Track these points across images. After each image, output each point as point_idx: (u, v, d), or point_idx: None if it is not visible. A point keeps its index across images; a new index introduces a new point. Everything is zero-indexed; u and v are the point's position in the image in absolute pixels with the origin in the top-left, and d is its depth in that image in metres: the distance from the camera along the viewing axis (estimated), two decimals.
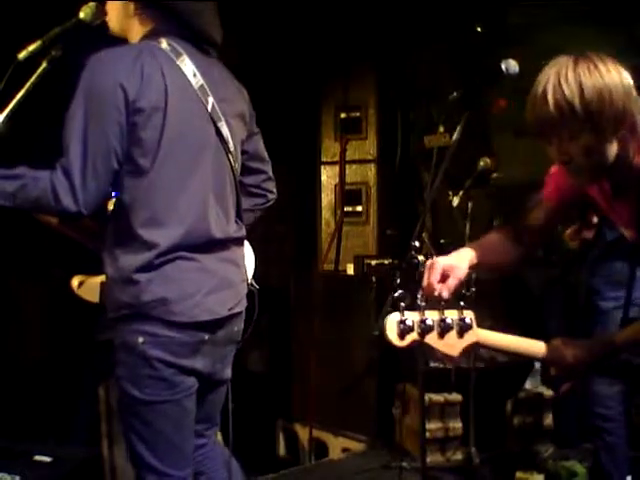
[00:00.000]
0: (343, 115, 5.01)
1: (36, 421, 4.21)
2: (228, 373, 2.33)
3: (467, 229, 4.01)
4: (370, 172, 4.96)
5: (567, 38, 4.39)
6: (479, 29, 4.66)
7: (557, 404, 4.27)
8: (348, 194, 4.99)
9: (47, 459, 3.43)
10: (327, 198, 5.10)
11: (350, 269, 4.79)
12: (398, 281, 3.14)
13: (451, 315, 1.88)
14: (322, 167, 5.10)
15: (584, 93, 1.65)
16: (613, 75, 1.67)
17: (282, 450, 4.98)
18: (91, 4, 2.24)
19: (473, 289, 4.00)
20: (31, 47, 2.23)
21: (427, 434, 3.77)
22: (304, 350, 4.73)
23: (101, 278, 2.22)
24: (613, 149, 1.75)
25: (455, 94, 3.00)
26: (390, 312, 1.86)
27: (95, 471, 3.54)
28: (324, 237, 5.08)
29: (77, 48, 2.21)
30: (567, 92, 1.67)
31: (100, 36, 2.25)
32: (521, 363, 4.36)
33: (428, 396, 4.06)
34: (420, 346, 1.89)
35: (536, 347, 1.96)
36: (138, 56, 2.02)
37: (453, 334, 1.88)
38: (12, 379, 4.36)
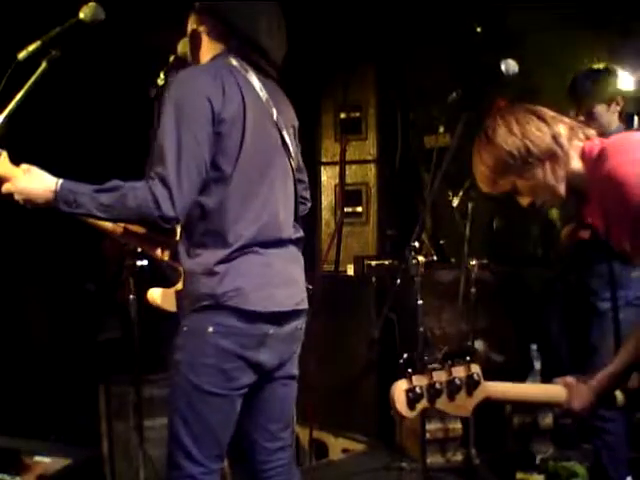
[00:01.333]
0: (343, 115, 5.01)
1: (36, 421, 4.21)
2: (296, 371, 2.44)
3: (467, 229, 4.01)
4: (370, 172, 4.96)
5: (565, 39, 4.40)
6: (479, 30, 4.66)
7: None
8: (348, 194, 4.98)
9: (47, 459, 3.43)
10: (327, 199, 5.10)
11: (350, 269, 4.79)
12: (398, 281, 3.15)
13: (458, 374, 1.83)
14: (322, 167, 5.10)
15: (485, 162, 2.03)
16: (499, 135, 1.97)
17: None
18: (91, 4, 2.25)
19: (473, 289, 4.00)
20: (31, 47, 2.24)
21: (427, 435, 3.77)
22: (304, 350, 4.72)
23: (175, 288, 2.34)
24: (545, 177, 1.96)
25: (455, 94, 3.00)
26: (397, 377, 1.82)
27: (95, 471, 3.55)
28: (324, 237, 5.08)
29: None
30: (478, 167, 2.07)
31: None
32: (520, 363, 4.36)
33: None
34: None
35: (551, 391, 1.97)
36: (217, 73, 2.19)
37: (462, 394, 1.83)
38: (12, 379, 4.36)
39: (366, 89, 4.97)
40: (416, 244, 3.06)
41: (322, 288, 4.67)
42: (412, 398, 1.77)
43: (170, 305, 2.36)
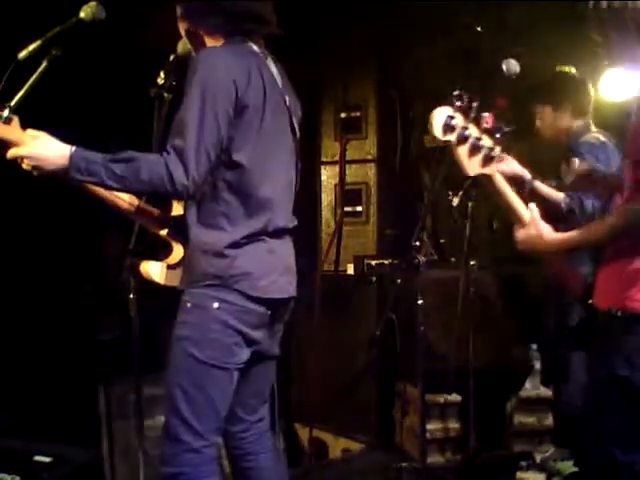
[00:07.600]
0: (343, 115, 5.00)
1: (36, 421, 4.21)
2: (278, 351, 2.53)
3: (467, 229, 4.01)
4: (370, 172, 4.95)
5: (566, 38, 4.39)
6: (479, 29, 4.66)
7: (557, 404, 4.27)
8: (348, 194, 4.98)
9: (47, 459, 3.43)
10: (327, 198, 5.09)
11: (350, 269, 4.78)
12: (398, 281, 3.15)
13: (486, 142, 2.00)
14: (322, 167, 5.10)
15: None
16: None
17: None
18: (91, 3, 2.26)
19: (473, 289, 4.00)
20: (31, 46, 2.24)
21: (427, 435, 3.76)
22: (304, 350, 4.73)
23: (169, 261, 2.38)
24: None
25: (455, 93, 3.00)
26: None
27: (95, 472, 3.55)
28: (324, 237, 5.08)
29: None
30: None
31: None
32: (520, 363, 4.36)
33: (427, 397, 4.05)
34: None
35: (524, 213, 2.16)
36: (242, 55, 2.22)
37: (479, 158, 1.99)
38: (12, 379, 4.36)
39: (366, 88, 4.96)
40: (416, 244, 3.07)
41: (322, 288, 4.67)
42: (448, 126, 1.93)
43: (171, 281, 2.36)
